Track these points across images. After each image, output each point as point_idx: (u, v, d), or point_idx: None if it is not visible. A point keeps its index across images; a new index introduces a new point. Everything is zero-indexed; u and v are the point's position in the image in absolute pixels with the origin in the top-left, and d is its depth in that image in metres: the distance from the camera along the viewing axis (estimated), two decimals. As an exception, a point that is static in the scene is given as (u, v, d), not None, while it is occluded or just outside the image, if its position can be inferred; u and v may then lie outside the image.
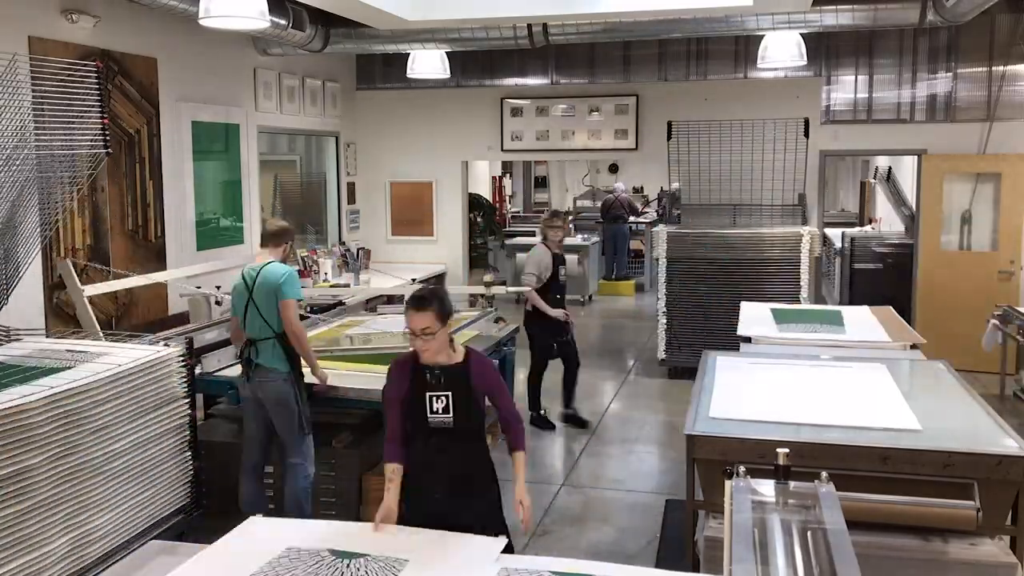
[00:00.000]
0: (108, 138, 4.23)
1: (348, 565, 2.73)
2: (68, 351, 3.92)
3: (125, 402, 3.69)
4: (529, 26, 6.90)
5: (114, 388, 3.62)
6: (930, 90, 8.16)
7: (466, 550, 2.94)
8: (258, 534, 3.07)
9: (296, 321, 4.46)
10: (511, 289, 6.59)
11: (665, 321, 7.84)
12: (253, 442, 4.58)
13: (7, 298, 4.20)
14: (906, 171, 9.80)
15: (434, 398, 3.25)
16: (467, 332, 5.84)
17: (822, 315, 5.62)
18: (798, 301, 7.41)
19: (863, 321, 5.37)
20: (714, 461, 3.15)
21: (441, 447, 3.28)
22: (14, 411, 3.16)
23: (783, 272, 7.69)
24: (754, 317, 5.45)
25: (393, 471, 3.27)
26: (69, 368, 3.63)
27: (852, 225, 11.49)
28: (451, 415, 3.25)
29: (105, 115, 4.22)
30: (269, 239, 4.63)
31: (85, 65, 4.22)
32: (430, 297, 3.22)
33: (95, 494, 3.55)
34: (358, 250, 8.93)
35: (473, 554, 2.90)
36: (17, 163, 3.84)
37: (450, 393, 3.25)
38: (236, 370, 5.00)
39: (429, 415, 3.26)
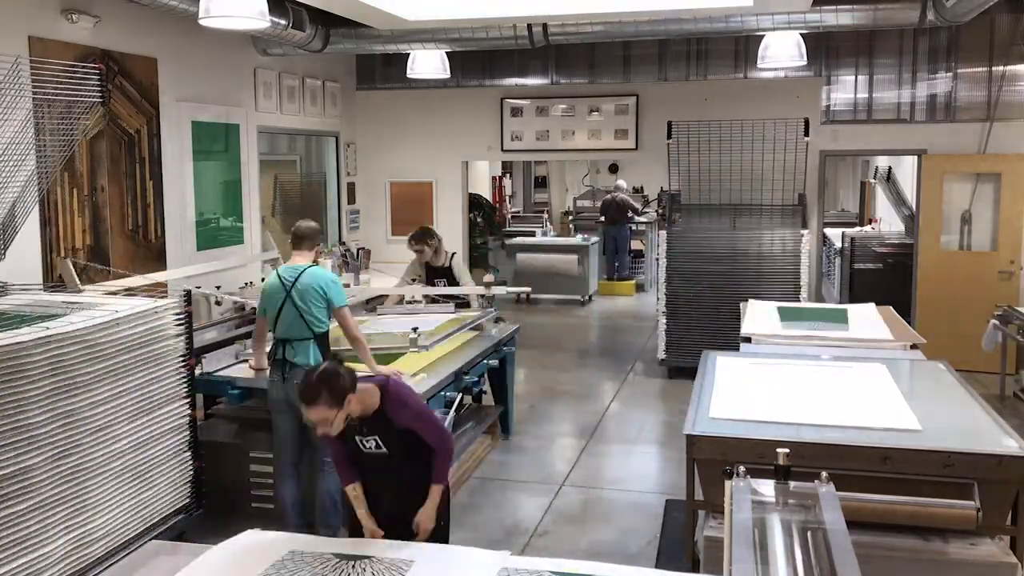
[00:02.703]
0: (104, 88, 4.24)
1: (353, 567, 2.73)
2: (65, 302, 3.92)
3: (121, 351, 3.68)
4: (529, 26, 6.90)
5: (110, 335, 3.61)
6: (930, 90, 8.16)
7: (470, 558, 2.95)
8: (257, 541, 3.07)
9: (356, 328, 4.53)
10: (511, 289, 6.58)
11: (665, 321, 7.84)
12: (288, 442, 4.46)
13: (4, 254, 4.20)
14: (906, 171, 9.80)
15: (363, 441, 3.29)
16: (467, 332, 5.83)
17: (826, 314, 5.67)
18: (798, 301, 7.41)
19: (867, 317, 5.40)
20: (714, 461, 3.15)
21: (382, 470, 3.33)
22: (9, 349, 3.15)
23: (783, 272, 7.69)
24: (759, 315, 5.50)
25: (355, 489, 3.33)
26: (65, 315, 3.62)
27: (852, 225, 11.48)
28: (384, 449, 3.29)
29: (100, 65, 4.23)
30: (304, 241, 4.61)
31: (86, 67, 4.23)
32: (317, 386, 3.05)
33: (95, 494, 3.55)
34: (358, 250, 8.93)
35: (477, 562, 2.90)
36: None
37: (377, 436, 3.27)
38: (235, 370, 5.00)
39: (364, 450, 3.31)
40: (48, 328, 3.35)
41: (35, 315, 3.64)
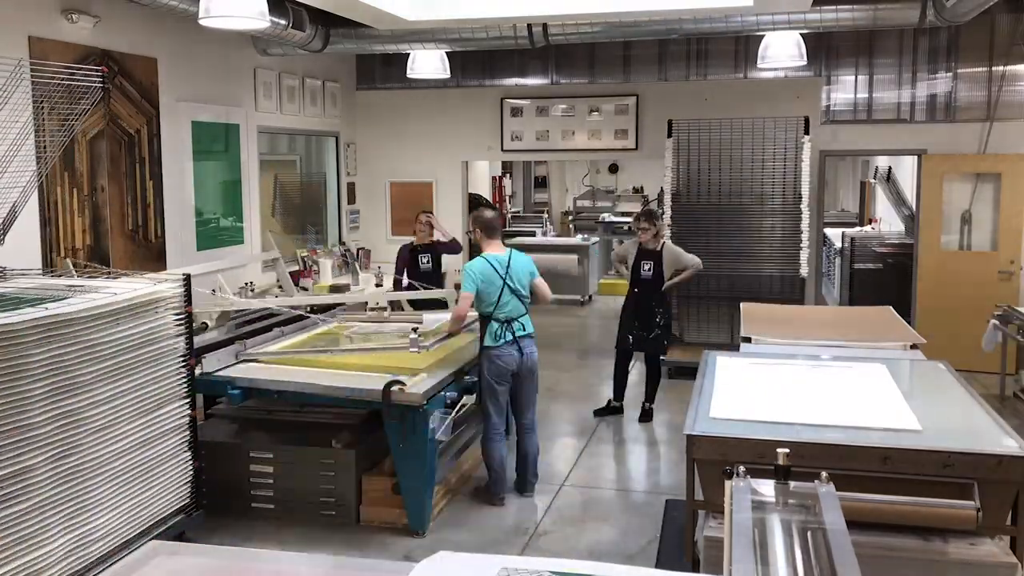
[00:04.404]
0: (104, 72, 4.26)
1: None
2: (67, 286, 3.92)
3: (121, 351, 3.67)
4: (529, 26, 6.90)
5: (109, 318, 3.60)
6: (930, 90, 8.16)
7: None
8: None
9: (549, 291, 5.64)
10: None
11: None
12: (503, 409, 5.25)
13: (3, 238, 4.20)
14: (906, 171, 9.79)
15: None
16: (468, 333, 5.82)
17: None
18: (801, 301, 7.42)
19: None
20: (714, 461, 3.15)
21: None
22: (4, 331, 3.15)
23: (782, 272, 7.69)
24: None
25: None
26: (66, 299, 3.61)
27: (852, 225, 11.48)
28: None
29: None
30: (497, 231, 5.42)
31: (87, 68, 4.23)
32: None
33: (95, 494, 3.55)
34: (358, 250, 8.93)
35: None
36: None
37: None
38: (235, 370, 4.99)
39: None
40: (47, 309, 3.34)
41: (36, 299, 3.62)
